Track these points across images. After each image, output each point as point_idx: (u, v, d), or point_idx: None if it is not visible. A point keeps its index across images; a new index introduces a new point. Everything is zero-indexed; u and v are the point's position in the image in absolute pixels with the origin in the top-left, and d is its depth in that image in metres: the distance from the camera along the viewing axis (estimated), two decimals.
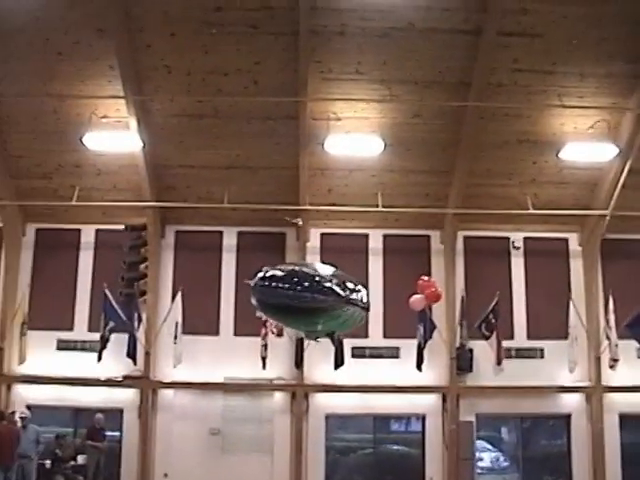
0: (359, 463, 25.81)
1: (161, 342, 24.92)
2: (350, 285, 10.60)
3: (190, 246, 26.06)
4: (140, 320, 24.49)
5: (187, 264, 25.95)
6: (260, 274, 10.63)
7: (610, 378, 25.37)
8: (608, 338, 24.59)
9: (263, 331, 23.90)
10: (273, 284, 10.32)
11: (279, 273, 10.55)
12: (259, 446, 24.86)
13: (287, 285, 10.18)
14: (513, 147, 24.36)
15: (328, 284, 10.21)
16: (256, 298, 10.76)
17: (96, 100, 22.62)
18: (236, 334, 25.49)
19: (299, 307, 10.13)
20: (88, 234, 26.23)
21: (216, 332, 25.56)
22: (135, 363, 24.30)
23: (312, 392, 25.18)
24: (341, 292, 10.24)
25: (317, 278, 10.31)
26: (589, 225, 26.32)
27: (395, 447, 26.19)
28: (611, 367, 24.54)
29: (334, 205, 25.44)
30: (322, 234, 26.37)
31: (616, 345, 24.29)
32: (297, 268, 11.04)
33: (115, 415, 24.90)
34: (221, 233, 26.26)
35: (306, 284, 10.16)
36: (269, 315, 11.63)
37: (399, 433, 26.84)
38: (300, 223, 22.92)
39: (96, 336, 23.98)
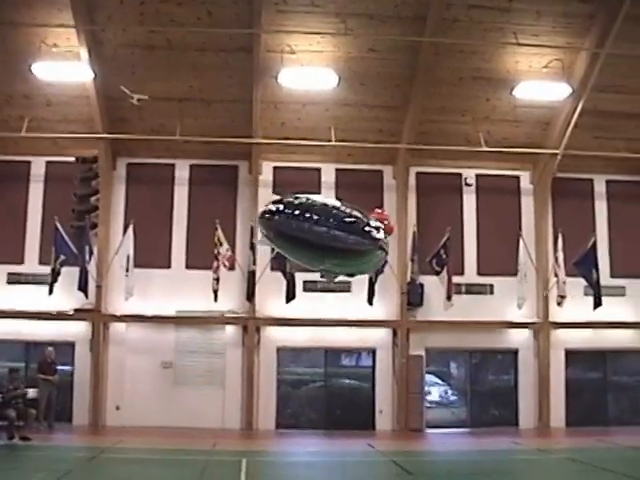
0: (310, 396, 27.56)
1: (113, 275, 26.18)
2: (377, 225, 10.66)
3: (142, 179, 27.18)
4: (91, 253, 25.69)
5: (139, 197, 27.07)
6: (283, 203, 10.60)
7: (557, 314, 27.56)
8: (556, 275, 26.61)
9: (215, 264, 25.30)
10: (306, 218, 10.25)
11: (311, 206, 10.46)
12: (211, 379, 26.46)
13: (325, 223, 10.16)
14: (467, 84, 25.86)
15: (367, 227, 10.29)
16: (278, 230, 10.69)
17: (46, 29, 23.41)
18: (188, 267, 26.86)
19: (334, 247, 10.14)
20: (38, 166, 27.14)
21: (168, 265, 26.92)
22: (87, 296, 25.53)
23: (264, 325, 26.79)
24: (377, 236, 10.42)
25: (354, 219, 10.25)
26: (541, 164, 28.19)
27: (346, 381, 28.03)
28: (559, 304, 26.57)
29: (287, 139, 26.79)
30: (275, 167, 27.67)
31: (564, 282, 26.32)
32: (329, 203, 10.92)
33: (67, 349, 26.20)
34: (173, 166, 27.43)
35: (344, 224, 10.15)
36: (287, 249, 11.32)
37: (350, 367, 28.77)
38: (139, 98, 24.09)
39: (47, 269, 25.10)
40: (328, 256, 10.39)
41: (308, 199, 10.61)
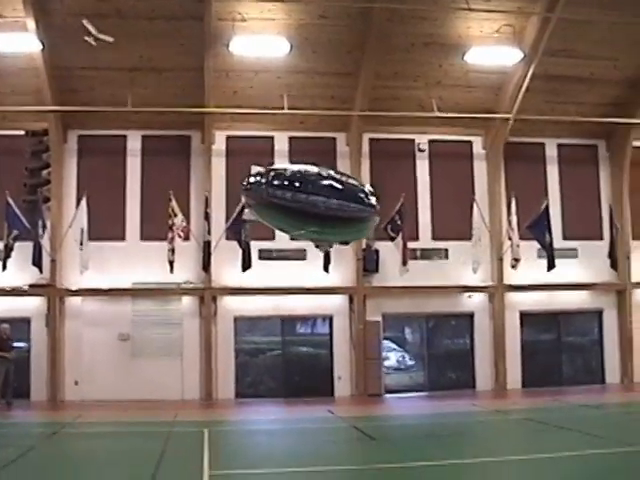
0: (268, 364, 27.84)
1: (67, 249, 26.08)
2: (371, 190, 10.90)
3: (94, 151, 27.00)
4: (45, 227, 25.57)
5: (91, 169, 26.92)
6: (272, 174, 10.61)
7: (511, 277, 28.09)
8: (510, 239, 27.06)
9: (170, 235, 25.35)
10: (300, 188, 10.28)
11: (305, 176, 10.58)
12: (169, 350, 26.60)
13: (322, 192, 10.20)
14: (419, 50, 26.07)
15: (362, 194, 10.68)
16: (272, 200, 10.59)
17: None
18: (143, 239, 26.86)
19: (335, 216, 10.21)
20: None
21: (122, 237, 26.92)
22: (41, 271, 25.51)
23: (220, 295, 26.94)
24: (374, 203, 10.59)
25: (351, 186, 10.65)
26: (493, 128, 28.56)
27: (303, 348, 28.35)
28: (513, 267, 27.06)
29: (239, 107, 26.81)
30: (227, 137, 27.73)
31: (518, 245, 26.82)
32: (324, 172, 11.01)
33: (22, 324, 26.13)
34: (125, 137, 27.31)
35: (343, 192, 10.27)
36: (280, 220, 11.13)
37: (307, 334, 29.15)
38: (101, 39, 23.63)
39: None
40: (327, 225, 10.29)
41: (300, 170, 10.73)
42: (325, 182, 10.31)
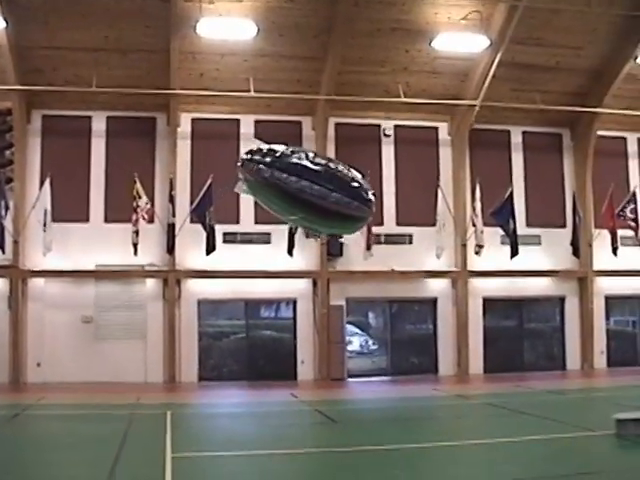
0: (232, 348, 27.97)
1: (30, 230, 25.95)
2: (371, 189, 10.61)
3: (58, 131, 26.85)
4: (7, 208, 25.37)
5: (55, 150, 26.75)
6: (278, 154, 10.29)
7: (475, 263, 28.36)
8: (474, 225, 27.33)
9: (134, 217, 25.30)
10: (307, 176, 10.05)
11: (312, 166, 10.18)
12: (132, 333, 26.61)
13: (328, 184, 9.96)
14: (386, 35, 26.14)
15: (368, 194, 10.15)
16: (278, 187, 10.40)
17: None
18: (107, 221, 26.79)
19: (336, 211, 9.92)
20: None
21: (86, 219, 26.81)
22: (3, 252, 25.27)
23: (184, 278, 26.98)
24: (373, 200, 10.40)
25: (358, 184, 10.64)
26: (459, 115, 28.76)
27: (267, 332, 28.49)
28: (476, 253, 27.34)
29: (205, 90, 26.79)
30: (193, 119, 27.70)
31: (481, 232, 27.12)
32: (332, 166, 10.63)
33: None
34: (90, 118, 27.17)
35: (349, 189, 9.96)
36: (280, 204, 10.94)
37: (271, 318, 29.30)
38: None
39: None
40: (328, 219, 10.30)
41: (307, 154, 10.46)
42: (333, 174, 10.34)
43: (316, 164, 10.29)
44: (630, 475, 11.07)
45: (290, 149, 10.71)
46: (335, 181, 10.02)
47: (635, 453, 12.78)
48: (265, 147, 10.92)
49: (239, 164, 11.13)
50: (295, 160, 10.31)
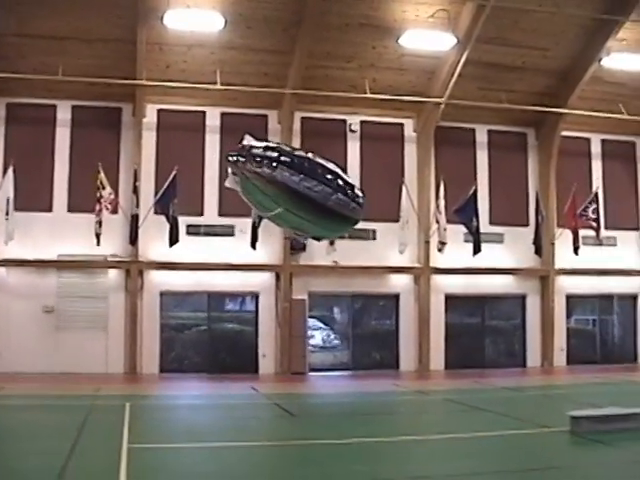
0: (194, 340, 27.93)
1: None
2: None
3: (22, 119, 26.59)
4: None
5: (19, 138, 26.51)
6: (281, 152, 10.45)
7: (438, 260, 28.51)
8: (437, 222, 27.51)
9: (97, 207, 25.17)
10: (314, 177, 10.17)
11: (316, 164, 10.28)
12: (94, 323, 26.44)
13: (332, 184, 10.10)
14: (354, 30, 26.21)
15: (358, 197, 10.52)
16: (284, 185, 10.37)
17: None
18: (70, 210, 26.58)
19: (337, 212, 10.27)
20: None
21: (49, 208, 26.60)
22: None
23: (147, 269, 26.91)
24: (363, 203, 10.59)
25: (352, 187, 10.43)
26: (424, 112, 28.88)
27: (229, 325, 28.47)
28: (439, 250, 27.55)
29: (172, 81, 26.64)
30: (159, 110, 27.58)
31: (445, 229, 27.33)
32: (331, 167, 10.73)
33: None
34: (55, 107, 26.93)
35: (348, 190, 10.29)
36: (279, 202, 10.85)
37: (233, 311, 29.23)
38: None
39: None
40: (325, 219, 10.21)
41: (305, 153, 10.38)
42: (332, 175, 10.27)
43: (317, 164, 10.28)
44: (582, 471, 11.21)
45: (288, 146, 10.65)
46: (335, 182, 10.02)
47: (587, 450, 12.94)
48: (259, 144, 10.84)
49: (232, 159, 11.00)
50: (300, 159, 10.27)
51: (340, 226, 10.67)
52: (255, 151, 10.65)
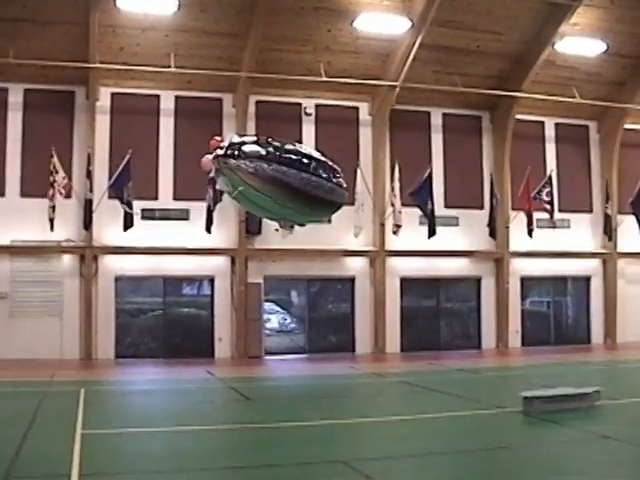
0: (149, 325, 27.82)
1: None
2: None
3: None
4: None
5: None
6: (272, 147, 10.41)
7: (393, 243, 28.63)
8: (392, 205, 27.59)
9: (51, 192, 24.92)
10: (301, 165, 10.24)
11: (304, 155, 10.35)
12: (48, 309, 26.22)
13: (321, 172, 10.20)
14: (309, 14, 26.19)
15: (343, 181, 10.53)
16: (269, 175, 10.38)
17: None
18: (23, 195, 26.25)
19: (329, 200, 10.26)
20: None
21: (2, 193, 26.29)
22: None
23: (101, 254, 26.71)
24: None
25: (339, 173, 10.45)
26: (379, 95, 28.91)
27: (185, 309, 28.44)
28: (394, 233, 27.63)
29: (125, 64, 26.45)
30: (113, 94, 27.31)
31: (400, 212, 27.40)
32: (317, 155, 10.82)
33: None
34: (6, 90, 26.53)
35: (335, 177, 10.31)
36: (277, 196, 10.81)
37: (189, 295, 29.18)
38: None
39: None
40: (318, 207, 10.25)
41: (293, 145, 10.39)
42: (324, 163, 10.33)
43: (305, 155, 10.30)
44: (532, 450, 11.38)
45: (277, 141, 10.60)
46: (326, 170, 10.08)
47: (538, 429, 13.14)
48: (248, 139, 10.76)
49: (219, 157, 10.72)
50: (291, 152, 10.26)
51: (326, 211, 10.80)
52: (246, 148, 10.58)
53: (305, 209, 10.60)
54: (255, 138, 10.81)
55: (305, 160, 10.31)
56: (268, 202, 11.68)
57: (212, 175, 12.31)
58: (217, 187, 11.20)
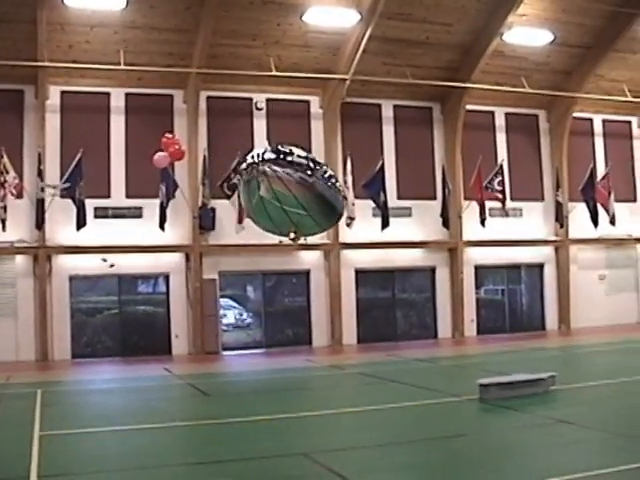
0: (105, 324, 27.61)
1: None
2: None
3: None
4: None
5: None
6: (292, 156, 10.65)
7: (347, 235, 28.71)
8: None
9: (1, 192, 24.69)
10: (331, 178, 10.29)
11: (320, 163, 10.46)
12: (2, 310, 25.93)
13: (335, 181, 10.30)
14: (258, 8, 26.16)
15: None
16: (317, 191, 10.60)
17: None
18: None
19: (339, 211, 10.37)
20: None
21: None
22: None
23: (55, 254, 26.49)
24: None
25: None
26: (330, 88, 28.99)
27: (141, 307, 28.29)
28: (348, 225, 27.67)
29: (75, 62, 26.23)
30: (62, 92, 27.05)
31: (353, 204, 27.47)
32: (325, 167, 10.87)
33: None
34: None
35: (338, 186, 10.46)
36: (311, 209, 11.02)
37: (144, 293, 29.05)
38: None
39: None
40: (331, 218, 10.30)
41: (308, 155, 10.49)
42: (331, 175, 10.45)
43: (319, 164, 10.40)
44: (489, 436, 11.59)
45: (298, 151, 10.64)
46: (333, 182, 10.19)
47: (495, 416, 13.38)
48: (290, 150, 10.78)
49: (257, 165, 10.61)
50: (315, 162, 10.35)
51: (333, 222, 10.95)
52: (290, 158, 10.63)
53: (323, 220, 10.71)
54: (292, 148, 10.82)
55: (322, 171, 10.45)
56: (283, 216, 11.72)
57: (235, 181, 12.39)
58: (239, 197, 11.05)
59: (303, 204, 10.90)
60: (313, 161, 10.75)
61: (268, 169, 10.77)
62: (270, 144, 11.27)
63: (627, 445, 10.54)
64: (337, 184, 10.29)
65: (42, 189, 24.75)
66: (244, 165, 10.35)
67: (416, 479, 9.49)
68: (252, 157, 10.61)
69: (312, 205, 10.81)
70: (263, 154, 10.72)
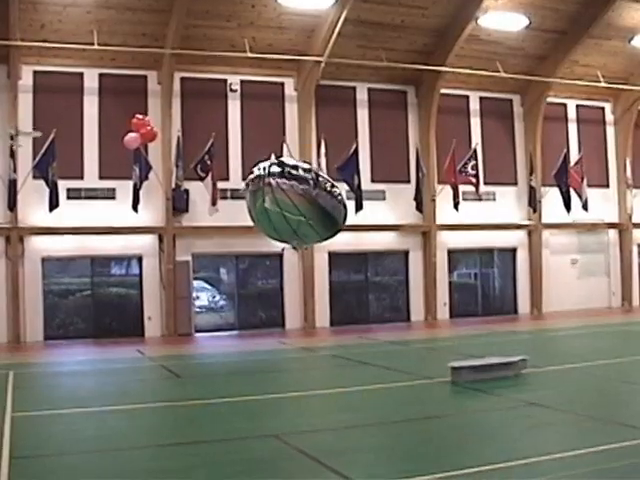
0: (78, 305, 27.56)
1: None
2: None
3: None
4: None
5: None
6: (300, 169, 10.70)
7: None
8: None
9: None
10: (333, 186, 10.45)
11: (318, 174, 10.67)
12: None
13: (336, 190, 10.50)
14: None
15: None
16: (312, 197, 10.56)
17: None
18: None
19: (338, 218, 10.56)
20: None
21: None
22: None
23: (27, 235, 26.37)
24: None
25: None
26: (305, 71, 28.96)
27: (113, 289, 28.24)
28: None
29: (47, 42, 26.01)
30: (35, 72, 26.85)
31: None
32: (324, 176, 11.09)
33: None
34: None
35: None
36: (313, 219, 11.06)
37: (117, 275, 28.98)
38: None
39: None
40: (330, 229, 10.37)
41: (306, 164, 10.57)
42: (332, 185, 10.55)
43: (319, 175, 10.49)
44: (460, 418, 11.74)
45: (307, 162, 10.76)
46: (336, 194, 10.26)
47: (466, 398, 13.52)
48: (292, 163, 10.84)
49: (267, 177, 10.82)
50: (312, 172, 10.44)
51: (334, 233, 11.04)
52: (295, 172, 10.70)
53: (322, 230, 10.82)
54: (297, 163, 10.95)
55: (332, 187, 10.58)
56: (284, 223, 11.83)
57: (242, 190, 12.42)
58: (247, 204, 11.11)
59: (304, 213, 11.00)
60: (317, 174, 10.89)
61: (273, 181, 10.91)
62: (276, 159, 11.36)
63: (597, 427, 10.73)
64: (339, 197, 10.38)
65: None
66: (251, 177, 10.46)
67: (388, 460, 9.54)
68: (259, 169, 10.74)
69: (313, 215, 10.91)
70: (269, 167, 10.85)
